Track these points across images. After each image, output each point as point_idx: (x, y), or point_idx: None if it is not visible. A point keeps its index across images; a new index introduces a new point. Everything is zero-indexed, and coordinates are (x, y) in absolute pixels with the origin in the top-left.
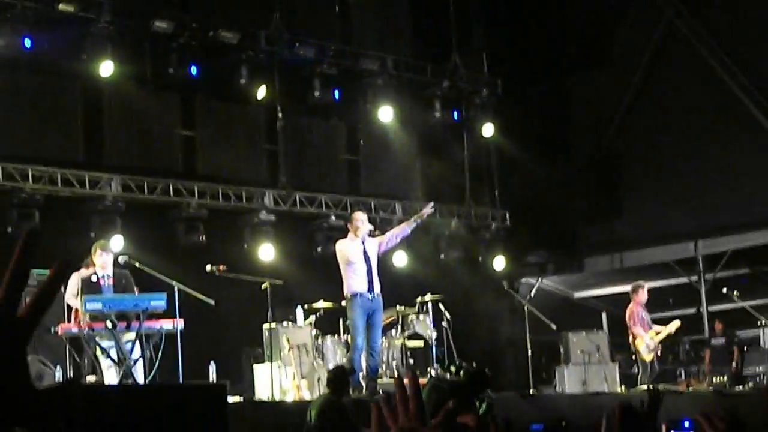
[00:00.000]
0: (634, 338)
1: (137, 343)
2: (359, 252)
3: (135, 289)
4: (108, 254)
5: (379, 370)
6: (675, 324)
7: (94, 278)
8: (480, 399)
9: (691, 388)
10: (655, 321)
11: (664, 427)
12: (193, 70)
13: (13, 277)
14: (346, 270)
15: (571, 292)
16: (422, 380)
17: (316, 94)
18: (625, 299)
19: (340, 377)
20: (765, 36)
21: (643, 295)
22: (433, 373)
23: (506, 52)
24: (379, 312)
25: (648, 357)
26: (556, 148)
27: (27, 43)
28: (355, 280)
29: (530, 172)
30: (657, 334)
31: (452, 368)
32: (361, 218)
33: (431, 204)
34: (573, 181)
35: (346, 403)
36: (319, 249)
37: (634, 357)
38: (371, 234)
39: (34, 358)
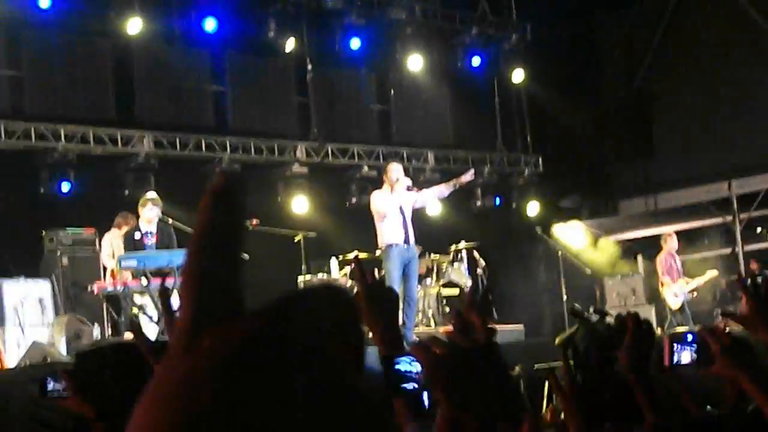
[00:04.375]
0: (662, 286)
1: (175, 298)
2: (395, 205)
3: (176, 245)
4: (158, 208)
5: (416, 319)
6: (710, 273)
7: (137, 235)
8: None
9: (728, 329)
10: (691, 262)
11: (667, 340)
12: (221, 24)
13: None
14: (381, 222)
15: (606, 235)
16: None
17: (345, 44)
18: (660, 241)
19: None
20: None
21: (672, 243)
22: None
23: None
24: (414, 261)
25: (674, 305)
26: (587, 91)
27: (45, 2)
28: (390, 231)
29: (562, 116)
30: (687, 283)
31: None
32: (398, 171)
33: (472, 170)
34: (605, 124)
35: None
36: (352, 200)
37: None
38: (409, 189)
39: (72, 316)
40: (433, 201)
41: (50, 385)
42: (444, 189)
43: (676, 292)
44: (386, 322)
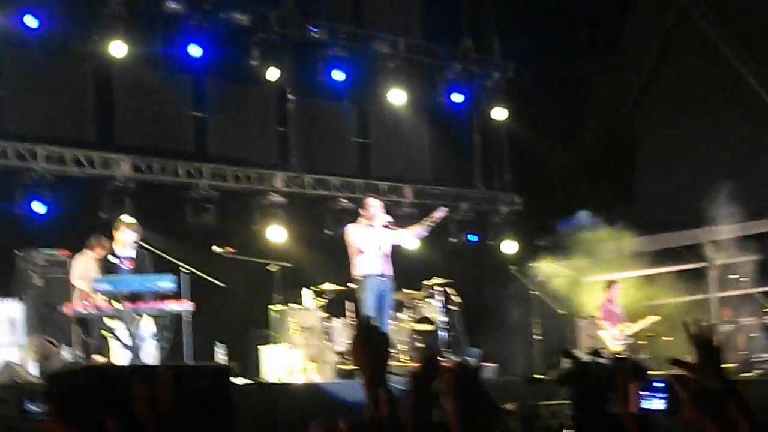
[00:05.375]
0: (598, 329)
1: (146, 323)
2: (372, 240)
3: (152, 270)
4: (134, 233)
5: None
6: (650, 319)
7: (113, 259)
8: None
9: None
10: (663, 307)
11: (634, 386)
12: (204, 50)
13: None
14: (356, 255)
15: (581, 275)
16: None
17: (327, 76)
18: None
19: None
20: None
21: (614, 291)
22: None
23: (517, 36)
24: (389, 295)
25: (614, 348)
26: (567, 132)
27: (33, 21)
28: (366, 264)
29: (541, 156)
30: (628, 327)
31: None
32: (376, 206)
33: (444, 209)
34: (584, 165)
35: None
36: (328, 231)
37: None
38: (387, 226)
39: (43, 337)
40: (410, 241)
41: (28, 406)
42: (420, 230)
43: (615, 336)
44: (376, 363)
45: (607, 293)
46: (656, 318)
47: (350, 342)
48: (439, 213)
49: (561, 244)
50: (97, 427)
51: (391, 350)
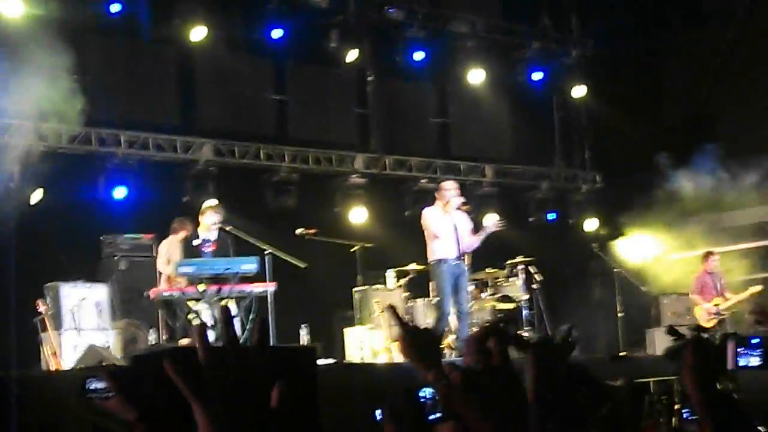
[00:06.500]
0: (694, 304)
1: (230, 305)
2: (447, 224)
3: (234, 253)
4: (217, 216)
5: (470, 331)
6: (752, 290)
7: (196, 242)
8: None
9: None
10: (750, 283)
11: (732, 344)
12: (284, 33)
13: None
14: (432, 239)
15: (666, 251)
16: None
17: (406, 56)
18: (721, 260)
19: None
20: None
21: (710, 263)
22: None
23: (596, 12)
24: (464, 276)
25: (706, 323)
26: (648, 108)
27: (115, 7)
28: (442, 247)
29: (621, 133)
30: (727, 300)
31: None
32: (451, 189)
33: (497, 219)
34: (665, 142)
35: None
36: (409, 212)
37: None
38: (463, 205)
39: (128, 321)
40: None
41: (91, 385)
42: (478, 240)
43: (709, 311)
44: (430, 359)
45: (704, 266)
46: (757, 288)
47: (398, 342)
48: (492, 224)
49: (644, 218)
50: (166, 406)
51: (441, 347)
